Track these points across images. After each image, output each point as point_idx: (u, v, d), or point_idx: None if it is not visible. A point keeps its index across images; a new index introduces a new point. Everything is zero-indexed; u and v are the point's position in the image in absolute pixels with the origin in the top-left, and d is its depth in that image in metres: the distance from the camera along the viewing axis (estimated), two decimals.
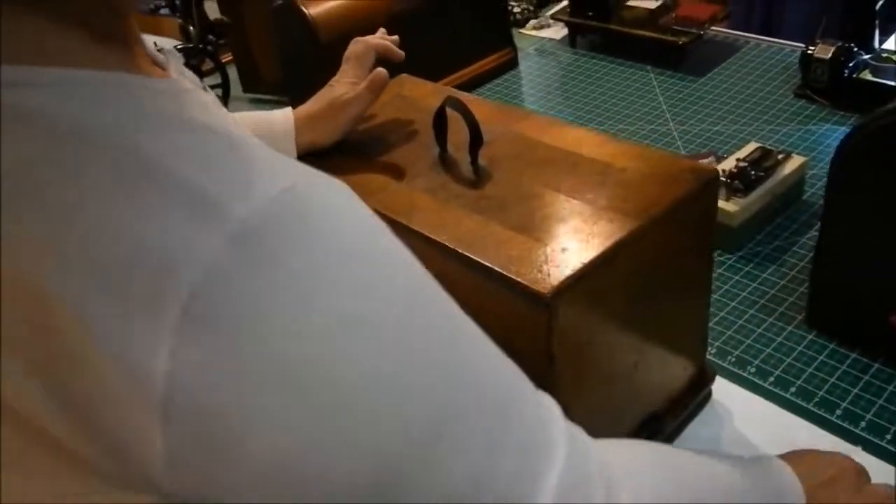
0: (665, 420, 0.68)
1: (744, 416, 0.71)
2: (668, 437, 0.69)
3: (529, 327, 0.53)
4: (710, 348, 0.79)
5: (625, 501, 0.41)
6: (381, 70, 0.70)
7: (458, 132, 0.67)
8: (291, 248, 0.30)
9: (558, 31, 1.51)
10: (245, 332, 0.29)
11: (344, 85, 0.72)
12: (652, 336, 0.63)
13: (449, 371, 0.35)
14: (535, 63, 1.46)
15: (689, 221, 0.60)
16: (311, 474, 0.32)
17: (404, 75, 0.85)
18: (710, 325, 0.82)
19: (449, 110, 0.67)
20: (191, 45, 1.38)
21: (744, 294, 0.85)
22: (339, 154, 0.72)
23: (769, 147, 0.96)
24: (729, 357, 0.78)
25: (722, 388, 0.74)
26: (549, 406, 0.41)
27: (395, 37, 0.77)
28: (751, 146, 0.96)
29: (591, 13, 1.42)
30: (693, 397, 0.71)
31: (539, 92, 1.36)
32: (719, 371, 0.76)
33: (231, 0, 1.36)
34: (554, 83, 1.38)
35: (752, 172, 0.91)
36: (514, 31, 1.55)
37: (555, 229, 0.56)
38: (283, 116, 0.71)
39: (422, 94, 0.80)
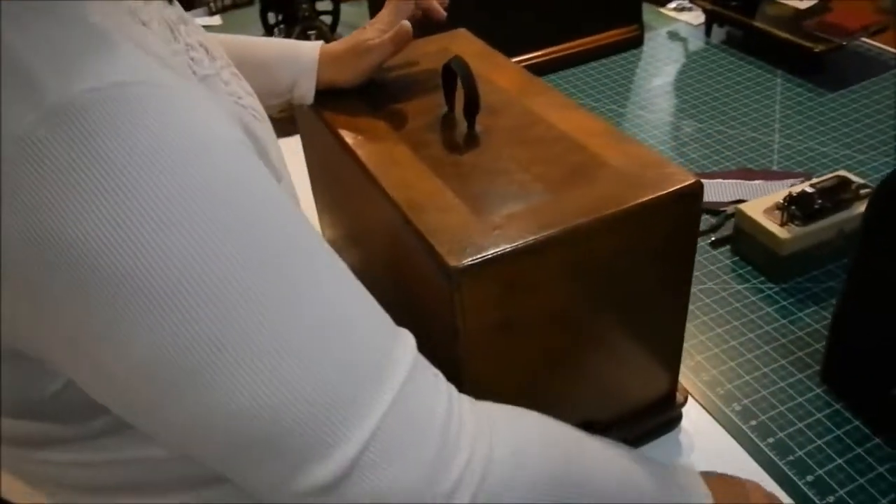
0: (610, 432, 0.65)
1: (707, 454, 0.66)
2: None
3: (441, 296, 0.52)
4: (703, 374, 0.74)
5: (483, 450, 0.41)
6: (405, 24, 0.69)
7: None
8: (105, 135, 0.32)
9: (698, 17, 1.42)
10: (46, 205, 0.32)
11: (372, 30, 0.72)
12: (605, 342, 0.60)
13: (272, 287, 0.35)
14: (661, 45, 1.38)
15: (658, 231, 0.56)
16: (111, 350, 0.34)
17: (462, 30, 0.83)
18: (716, 352, 0.76)
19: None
20: None
21: (767, 328, 0.78)
22: (356, 95, 0.72)
23: (853, 178, 0.86)
24: (718, 389, 0.72)
25: (697, 419, 0.69)
26: (400, 344, 0.41)
27: None
28: (834, 174, 0.87)
29: (734, 2, 1.32)
30: (652, 419, 0.67)
31: (652, 76, 1.29)
32: (704, 402, 0.71)
33: None
34: (672, 70, 1.30)
35: (819, 201, 0.82)
36: (653, 10, 1.47)
37: (501, 208, 0.54)
38: (311, 49, 0.72)
39: (467, 53, 0.78)
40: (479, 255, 0.50)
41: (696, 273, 0.86)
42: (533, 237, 0.51)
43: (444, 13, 0.75)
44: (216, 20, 1.63)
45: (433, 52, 0.79)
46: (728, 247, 0.89)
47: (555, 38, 1.33)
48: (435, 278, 0.52)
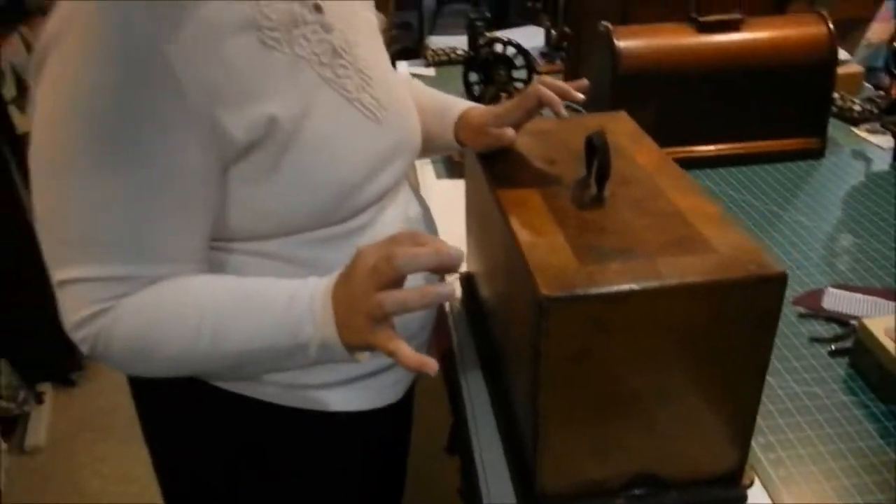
0: (670, 490, 0.70)
1: None
2: None
3: (531, 321, 0.62)
4: (780, 470, 0.76)
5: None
6: (510, 133, 0.81)
7: (614, 167, 0.74)
8: (56, 42, 0.61)
9: (888, 141, 1.40)
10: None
11: (494, 115, 0.83)
12: (675, 400, 0.66)
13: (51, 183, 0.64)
14: (842, 161, 1.38)
15: (737, 309, 0.62)
16: None
17: (622, 112, 0.93)
18: (800, 452, 0.79)
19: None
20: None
21: (860, 444, 0.79)
22: (517, 150, 0.84)
23: None
24: (793, 487, 0.75)
25: None
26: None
27: (583, 82, 0.85)
28: None
29: None
30: (714, 490, 0.71)
31: (823, 188, 1.30)
32: (774, 494, 0.74)
33: (576, 16, 1.53)
34: (846, 185, 1.30)
35: None
36: (844, 128, 1.48)
37: (601, 260, 0.63)
38: (455, 111, 0.88)
39: (619, 132, 0.88)
40: (568, 291, 0.59)
41: (805, 376, 0.89)
42: (617, 287, 0.60)
43: (560, 105, 0.82)
44: (430, 71, 1.84)
45: (592, 127, 0.89)
46: (847, 359, 0.90)
47: (736, 134, 1.38)
48: (529, 305, 0.62)
